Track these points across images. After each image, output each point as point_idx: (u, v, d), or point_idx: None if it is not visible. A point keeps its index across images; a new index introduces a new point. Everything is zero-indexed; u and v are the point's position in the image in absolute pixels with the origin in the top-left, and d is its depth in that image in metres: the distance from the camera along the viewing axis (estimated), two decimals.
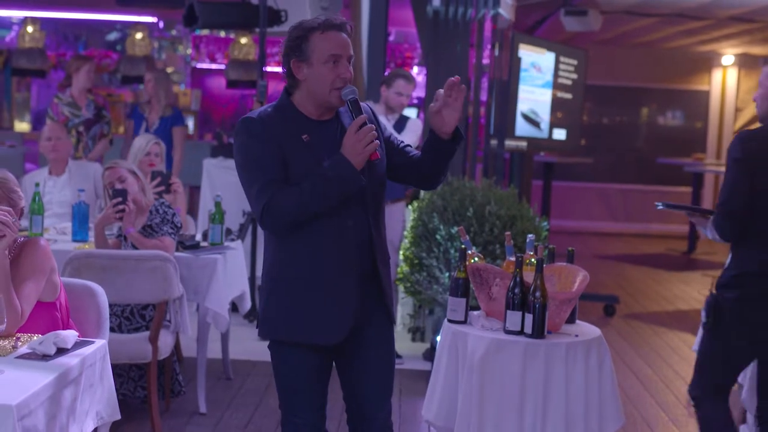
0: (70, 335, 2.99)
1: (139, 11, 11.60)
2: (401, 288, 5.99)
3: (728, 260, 3.72)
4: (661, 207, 3.95)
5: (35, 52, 9.93)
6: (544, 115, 8.12)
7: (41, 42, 10.08)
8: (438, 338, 3.82)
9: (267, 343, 3.14)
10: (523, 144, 7.93)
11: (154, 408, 4.51)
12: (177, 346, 5.51)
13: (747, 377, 4.08)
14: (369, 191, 3.01)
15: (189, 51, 12.75)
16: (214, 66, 12.75)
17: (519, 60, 7.59)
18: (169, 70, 12.47)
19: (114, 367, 3.31)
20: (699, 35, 11.90)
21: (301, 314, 3.01)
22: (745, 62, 13.77)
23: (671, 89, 14.11)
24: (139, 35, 10.74)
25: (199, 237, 5.50)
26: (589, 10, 9.25)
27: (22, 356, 2.88)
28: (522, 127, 7.83)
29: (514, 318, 3.42)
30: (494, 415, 3.38)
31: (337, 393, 3.25)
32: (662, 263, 11.36)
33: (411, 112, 9.30)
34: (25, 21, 10.15)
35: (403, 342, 6.20)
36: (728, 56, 13.73)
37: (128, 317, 4.70)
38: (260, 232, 5.64)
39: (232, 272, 5.27)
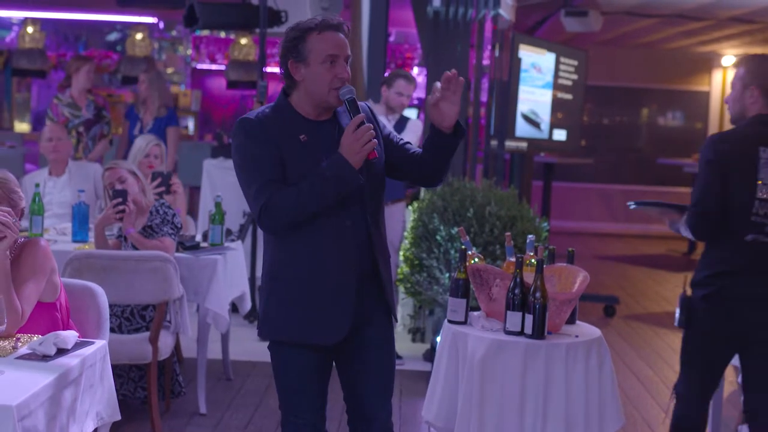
0: (70, 336, 2.99)
1: (140, 12, 11.60)
2: (401, 289, 5.99)
3: (700, 260, 3.72)
4: (633, 206, 3.95)
5: (35, 52, 9.93)
6: (545, 116, 8.12)
7: (41, 42, 10.08)
8: (438, 339, 3.82)
9: (267, 343, 3.14)
10: (524, 145, 7.93)
11: (154, 408, 4.51)
12: (177, 347, 5.51)
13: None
14: (367, 191, 3.01)
15: (189, 51, 12.75)
16: (214, 66, 12.75)
17: (519, 60, 7.59)
18: (170, 70, 12.48)
19: (114, 367, 3.31)
20: (699, 36, 11.90)
21: (301, 314, 3.01)
22: None
23: (671, 90, 14.11)
24: (139, 36, 10.74)
25: (199, 237, 5.51)
26: (589, 11, 9.24)
27: (22, 357, 2.88)
28: (522, 128, 7.83)
29: (514, 319, 3.42)
30: (494, 415, 3.38)
31: (338, 393, 3.25)
32: (663, 264, 11.36)
33: (411, 113, 9.31)
34: (25, 21, 10.16)
35: (403, 343, 6.19)
36: (728, 57, 13.73)
37: (128, 318, 4.70)
38: (260, 232, 5.63)
39: (232, 273, 5.27)
